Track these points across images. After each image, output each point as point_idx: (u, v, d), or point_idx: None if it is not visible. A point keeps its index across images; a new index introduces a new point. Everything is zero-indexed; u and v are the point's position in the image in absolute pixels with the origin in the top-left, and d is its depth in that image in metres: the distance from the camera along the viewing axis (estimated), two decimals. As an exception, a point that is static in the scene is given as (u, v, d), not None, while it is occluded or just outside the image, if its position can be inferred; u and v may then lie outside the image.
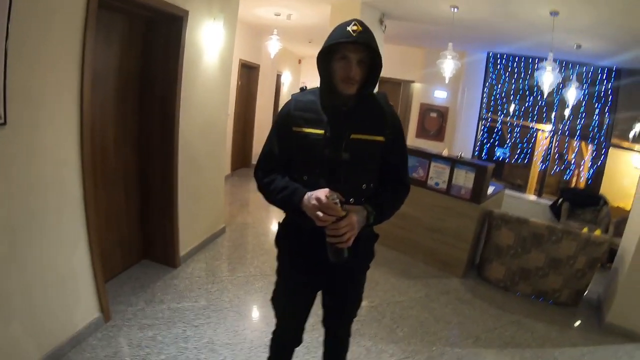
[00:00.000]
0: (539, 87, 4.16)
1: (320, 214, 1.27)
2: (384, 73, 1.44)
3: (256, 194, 2.29)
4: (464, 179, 3.89)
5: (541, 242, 3.59)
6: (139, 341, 2.37)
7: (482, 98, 6.74)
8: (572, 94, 4.99)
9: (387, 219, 1.49)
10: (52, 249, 2.04)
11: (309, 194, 1.33)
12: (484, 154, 6.85)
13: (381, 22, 4.70)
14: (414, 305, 3.32)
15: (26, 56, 1.72)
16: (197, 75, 3.23)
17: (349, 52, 1.33)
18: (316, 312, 1.68)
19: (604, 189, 5.94)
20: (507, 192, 5.45)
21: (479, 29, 4.90)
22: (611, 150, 5.89)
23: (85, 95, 2.09)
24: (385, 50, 4.18)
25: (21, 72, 1.70)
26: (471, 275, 4.06)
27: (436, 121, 7.43)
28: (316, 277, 1.56)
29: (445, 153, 4.42)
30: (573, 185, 7.05)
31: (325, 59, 1.38)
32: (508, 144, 7.02)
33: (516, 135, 6.66)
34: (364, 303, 1.90)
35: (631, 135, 6.12)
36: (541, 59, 4.71)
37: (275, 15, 5.32)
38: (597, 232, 3.75)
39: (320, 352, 1.96)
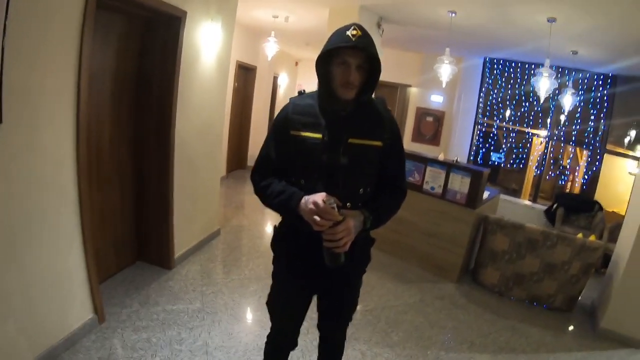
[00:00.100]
0: (535, 93, 4.18)
1: (317, 218, 1.27)
2: (381, 77, 1.44)
3: (251, 197, 2.28)
4: (460, 184, 3.89)
5: (536, 248, 3.60)
6: (133, 343, 2.36)
7: (479, 103, 6.77)
8: (568, 100, 5.01)
9: (383, 223, 1.49)
10: (51, 249, 2.03)
11: (305, 198, 1.33)
12: (479, 158, 6.88)
13: (379, 25, 4.72)
14: (409, 309, 3.32)
15: (24, 56, 1.70)
16: (194, 76, 3.23)
17: (348, 57, 1.33)
18: (311, 315, 1.68)
19: (599, 195, 5.97)
20: (502, 196, 5.47)
21: (477, 35, 4.92)
22: (606, 156, 5.93)
23: (82, 95, 2.08)
24: (383, 54, 4.18)
25: (18, 72, 1.69)
26: (466, 280, 4.06)
27: (432, 125, 7.44)
28: (312, 281, 1.55)
29: (441, 157, 4.43)
30: (568, 190, 7.10)
31: (325, 63, 1.38)
32: (503, 149, 7.06)
33: (512, 140, 6.70)
34: (359, 307, 1.90)
35: (626, 141, 6.19)
36: (538, 65, 4.75)
37: (273, 17, 5.32)
38: (592, 238, 3.77)
39: (315, 355, 1.95)
